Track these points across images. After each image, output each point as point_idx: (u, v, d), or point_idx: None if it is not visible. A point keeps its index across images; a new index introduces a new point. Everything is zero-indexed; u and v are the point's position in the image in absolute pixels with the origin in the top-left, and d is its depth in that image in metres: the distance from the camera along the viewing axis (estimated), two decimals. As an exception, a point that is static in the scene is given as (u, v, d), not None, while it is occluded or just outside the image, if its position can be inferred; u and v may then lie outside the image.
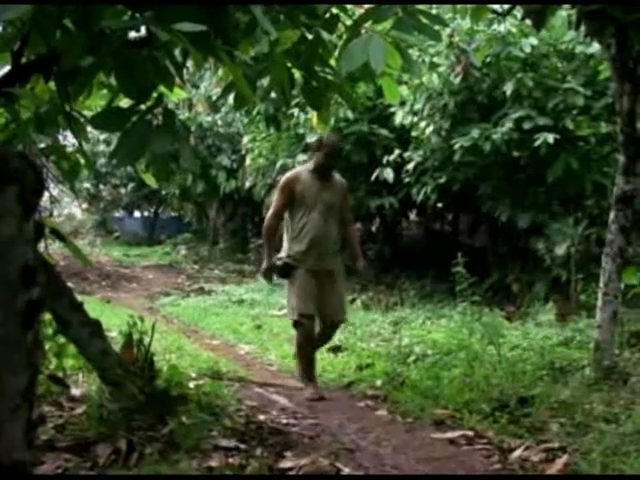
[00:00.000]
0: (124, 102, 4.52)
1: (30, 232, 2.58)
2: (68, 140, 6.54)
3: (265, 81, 5.16)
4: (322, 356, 9.19)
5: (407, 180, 14.24)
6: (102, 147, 27.00)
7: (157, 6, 3.66)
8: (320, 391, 7.24)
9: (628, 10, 6.57)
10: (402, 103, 13.23)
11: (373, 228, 21.30)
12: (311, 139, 15.58)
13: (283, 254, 7.44)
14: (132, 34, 4.18)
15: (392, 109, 13.90)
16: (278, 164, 17.21)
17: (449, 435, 5.57)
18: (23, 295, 2.54)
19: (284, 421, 5.93)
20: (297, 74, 5.16)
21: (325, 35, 4.74)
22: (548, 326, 10.36)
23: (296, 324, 7.34)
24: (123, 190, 32.99)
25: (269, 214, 7.55)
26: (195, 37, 3.48)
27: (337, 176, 7.67)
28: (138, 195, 32.29)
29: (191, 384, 6.03)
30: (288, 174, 7.66)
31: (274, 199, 7.66)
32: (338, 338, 10.19)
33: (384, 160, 14.52)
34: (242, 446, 4.76)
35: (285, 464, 4.50)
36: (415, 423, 6.10)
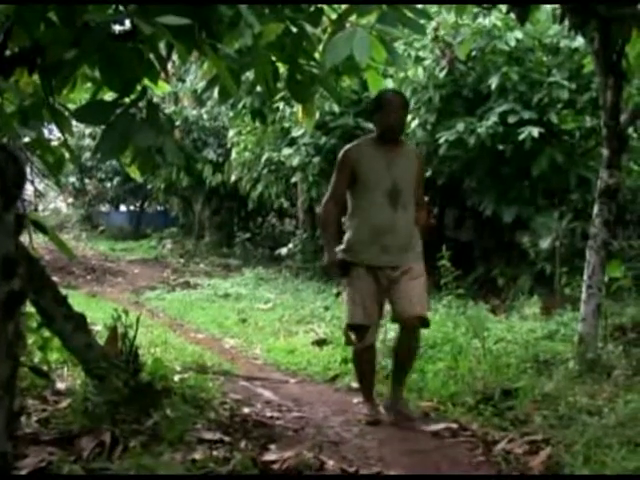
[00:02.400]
0: (109, 95, 4.52)
1: (11, 224, 2.57)
2: (54, 134, 6.52)
3: (251, 75, 5.16)
4: (307, 349, 9.22)
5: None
6: (87, 141, 26.89)
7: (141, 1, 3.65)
8: (379, 414, 6.01)
9: (611, 4, 6.60)
10: (387, 97, 13.22)
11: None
12: (297, 132, 15.61)
13: (341, 248, 5.97)
14: (116, 27, 4.18)
15: (378, 103, 13.90)
16: (263, 158, 17.23)
17: (433, 427, 5.59)
18: (3, 286, 2.53)
19: (269, 414, 5.93)
20: (282, 67, 5.17)
21: (309, 28, 4.74)
22: (533, 319, 10.41)
23: (348, 334, 6.05)
24: (109, 184, 32.87)
25: (325, 199, 6.07)
26: (179, 30, 3.48)
27: (407, 144, 6.42)
28: (124, 189, 32.21)
29: (176, 377, 6.03)
30: (347, 147, 6.07)
31: (331, 180, 6.13)
32: (323, 331, 10.23)
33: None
34: (226, 439, 4.76)
35: (269, 457, 4.51)
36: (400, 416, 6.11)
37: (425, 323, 5.92)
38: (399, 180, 5.78)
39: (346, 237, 5.96)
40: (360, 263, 5.84)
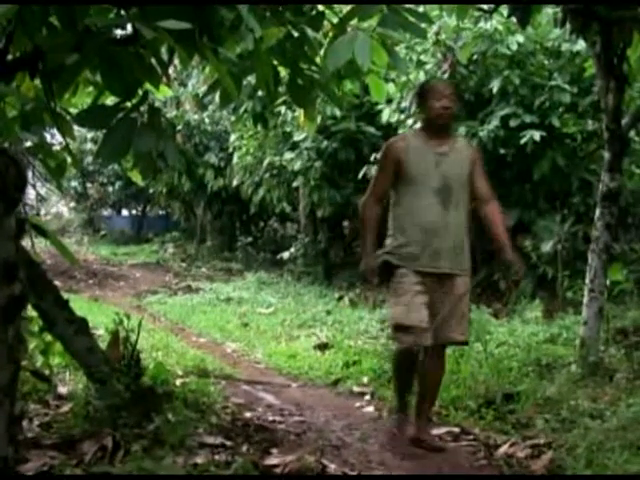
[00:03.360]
0: (110, 100, 4.52)
1: (12, 228, 2.58)
2: (55, 139, 6.53)
3: (252, 79, 5.17)
4: (309, 353, 9.21)
5: (394, 178, 14.22)
6: (89, 145, 26.89)
7: (142, 3, 3.66)
8: (419, 431, 5.34)
9: (612, 8, 6.60)
10: (389, 101, 13.23)
11: (360, 226, 21.31)
12: (298, 137, 15.61)
13: (383, 250, 5.36)
14: (118, 32, 4.19)
15: (379, 107, 13.89)
16: (265, 162, 17.23)
17: (435, 432, 5.58)
18: (4, 290, 2.53)
19: (270, 418, 5.93)
20: (283, 72, 5.17)
21: (311, 33, 4.74)
22: (534, 323, 10.39)
23: (395, 337, 5.36)
24: (110, 188, 32.88)
25: (365, 197, 5.45)
26: (180, 35, 3.48)
27: (460, 137, 5.80)
28: (125, 193, 32.21)
29: (177, 382, 6.04)
30: (391, 140, 5.50)
31: (374, 176, 5.62)
32: (325, 335, 10.23)
33: (371, 158, 14.50)
34: (228, 443, 4.76)
35: (271, 461, 4.51)
36: (401, 420, 6.10)
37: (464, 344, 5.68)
38: (450, 176, 5.21)
39: (389, 240, 5.38)
40: (406, 267, 5.21)
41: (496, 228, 5.38)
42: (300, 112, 6.23)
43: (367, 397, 6.93)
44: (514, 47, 12.12)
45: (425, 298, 5.16)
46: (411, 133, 5.67)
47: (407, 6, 4.63)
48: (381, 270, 5.33)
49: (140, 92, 4.08)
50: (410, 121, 13.16)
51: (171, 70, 6.35)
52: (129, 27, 3.97)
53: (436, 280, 5.20)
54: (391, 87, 12.35)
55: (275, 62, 4.86)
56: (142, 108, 3.97)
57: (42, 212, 23.43)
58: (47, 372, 5.72)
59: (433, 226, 5.17)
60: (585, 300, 7.21)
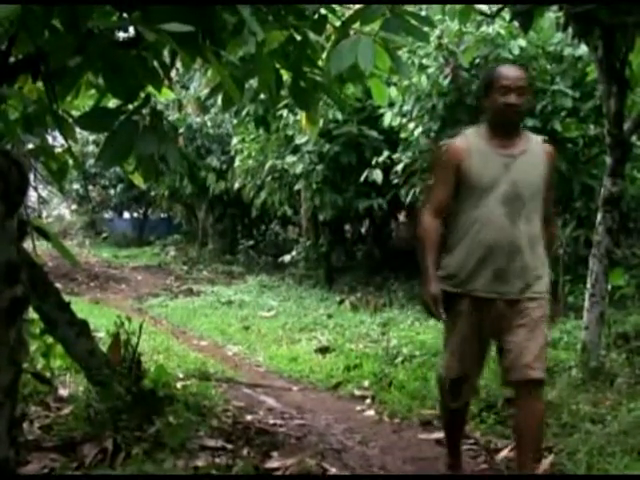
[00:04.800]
0: (112, 102, 4.53)
1: (13, 230, 2.58)
2: (57, 141, 6.53)
3: (254, 82, 5.17)
4: (310, 357, 9.21)
5: (396, 181, 14.21)
6: (91, 148, 26.90)
7: (145, 6, 3.66)
8: (460, 463, 4.81)
9: (614, 12, 6.60)
10: (391, 104, 13.22)
11: (362, 229, 21.35)
12: (300, 140, 15.61)
13: (439, 274, 4.48)
14: (120, 34, 4.19)
15: (381, 110, 13.88)
16: (267, 165, 17.22)
17: (436, 435, 5.59)
18: (6, 292, 2.54)
19: (271, 421, 5.94)
20: (285, 75, 5.17)
21: (313, 36, 4.75)
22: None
23: (439, 388, 4.74)
24: (112, 191, 32.86)
25: (424, 210, 4.57)
26: (183, 38, 3.48)
27: (532, 136, 4.71)
28: (127, 196, 32.19)
29: (178, 384, 6.04)
30: (450, 143, 4.66)
31: (431, 184, 4.82)
32: (326, 339, 10.22)
33: (373, 161, 14.51)
34: (229, 446, 4.77)
35: (272, 464, 4.52)
36: (402, 423, 6.12)
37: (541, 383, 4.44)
38: (520, 183, 4.38)
39: (446, 260, 4.52)
40: (465, 294, 4.42)
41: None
42: (302, 115, 6.23)
43: (368, 401, 6.94)
44: (516, 51, 12.11)
45: (480, 340, 4.47)
46: (472, 132, 4.61)
47: (410, 10, 4.63)
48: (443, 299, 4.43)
49: (142, 95, 4.08)
50: (412, 125, 13.16)
51: (173, 73, 6.36)
52: (132, 30, 3.98)
53: (504, 306, 4.37)
54: (393, 91, 12.41)
55: (277, 65, 4.86)
56: (144, 111, 3.97)
57: (44, 214, 23.44)
58: (48, 374, 5.72)
59: (499, 243, 4.34)
60: (586, 304, 7.20)
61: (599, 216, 7.23)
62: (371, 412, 6.55)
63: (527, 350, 4.30)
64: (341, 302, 14.55)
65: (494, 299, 4.37)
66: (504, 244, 4.33)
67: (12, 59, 4.26)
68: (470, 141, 4.49)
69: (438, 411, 5.37)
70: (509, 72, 4.43)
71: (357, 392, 7.29)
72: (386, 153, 14.32)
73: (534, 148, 4.51)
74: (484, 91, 4.52)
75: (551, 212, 4.71)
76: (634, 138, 10.11)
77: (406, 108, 13.21)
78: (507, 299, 4.37)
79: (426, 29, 4.87)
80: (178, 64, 4.67)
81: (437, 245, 4.48)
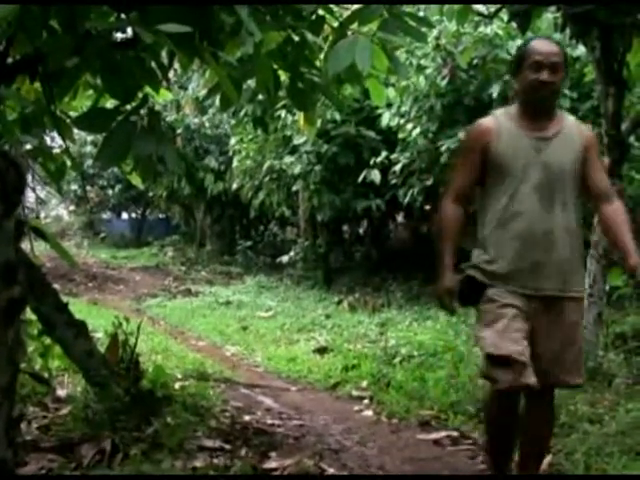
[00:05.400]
0: (110, 103, 4.53)
1: (11, 230, 2.58)
2: (56, 142, 6.54)
3: (252, 83, 5.17)
4: (308, 357, 9.21)
5: (394, 182, 14.23)
6: (89, 148, 26.87)
7: (142, 7, 3.66)
8: None
9: (612, 13, 6.60)
10: (389, 105, 13.23)
11: (360, 230, 21.35)
12: (298, 141, 15.62)
13: (469, 264, 4.16)
14: (118, 35, 4.19)
15: (379, 111, 13.89)
16: (265, 166, 17.23)
17: (434, 436, 5.60)
18: (3, 293, 2.54)
19: (269, 422, 5.94)
20: (283, 75, 5.17)
21: (311, 37, 4.75)
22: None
23: (488, 374, 4.02)
24: (110, 192, 32.84)
25: (445, 196, 4.26)
26: (180, 38, 3.49)
27: (567, 116, 4.32)
28: (125, 197, 32.17)
29: (177, 385, 6.05)
30: (477, 124, 4.25)
31: (454, 170, 4.41)
32: (324, 339, 10.23)
33: (371, 162, 14.51)
34: (227, 446, 4.77)
35: (270, 464, 4.52)
36: (400, 424, 6.12)
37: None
38: (555, 167, 4.02)
39: (475, 253, 4.16)
40: (499, 286, 4.03)
41: (619, 232, 4.17)
42: (300, 116, 6.23)
43: (366, 401, 6.94)
44: (514, 52, 12.12)
45: (525, 325, 3.94)
46: (502, 112, 4.25)
47: (408, 10, 4.64)
48: (465, 289, 4.12)
49: (140, 95, 4.08)
50: (410, 125, 13.16)
51: (171, 74, 6.36)
52: (129, 31, 3.98)
53: (539, 305, 3.99)
54: (391, 91, 12.40)
55: (275, 66, 4.87)
56: (142, 111, 3.97)
57: (42, 215, 23.41)
58: (46, 375, 5.72)
59: (533, 234, 3.98)
60: (584, 305, 7.21)
61: (597, 216, 7.22)
62: (369, 412, 6.54)
63: (565, 353, 4.00)
64: (339, 302, 14.56)
65: (531, 296, 3.98)
66: (539, 235, 3.97)
67: (10, 60, 4.26)
68: (499, 121, 4.14)
69: (484, 418, 4.69)
70: (542, 46, 4.05)
71: (355, 392, 7.29)
72: (384, 154, 14.32)
73: (569, 130, 4.13)
74: (515, 68, 4.17)
75: (608, 189, 4.30)
76: (632, 139, 10.11)
77: (404, 109, 13.22)
78: (544, 295, 3.99)
79: (424, 30, 4.89)
80: (176, 65, 4.66)
81: (457, 235, 4.17)
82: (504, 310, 3.93)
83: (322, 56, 4.99)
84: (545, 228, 3.97)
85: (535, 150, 4.02)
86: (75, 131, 5.43)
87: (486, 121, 4.20)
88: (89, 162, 27.27)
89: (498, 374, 3.87)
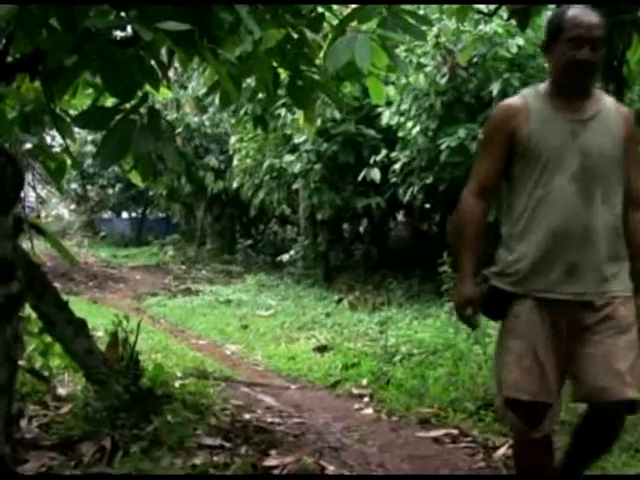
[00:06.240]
0: (110, 101, 4.53)
1: (9, 226, 2.58)
2: (56, 140, 6.54)
3: (252, 81, 5.18)
4: (308, 355, 9.21)
5: (394, 180, 14.23)
6: (89, 147, 26.84)
7: (142, 5, 3.66)
8: None
9: (611, 11, 6.60)
10: (389, 103, 13.22)
11: (360, 228, 21.35)
12: (298, 139, 15.61)
13: (492, 270, 3.57)
14: (118, 33, 4.20)
15: (379, 109, 13.89)
16: (265, 164, 17.24)
17: (434, 434, 5.59)
18: (1, 289, 2.54)
19: (269, 420, 5.94)
20: (283, 73, 5.17)
21: (310, 34, 4.75)
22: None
23: (503, 416, 3.60)
24: (111, 191, 32.89)
25: (466, 189, 3.70)
26: (180, 36, 3.49)
27: (604, 96, 3.67)
28: (126, 196, 32.22)
29: (176, 383, 6.05)
30: (502, 104, 3.67)
31: (476, 159, 3.77)
32: (324, 338, 10.23)
33: (371, 160, 14.51)
34: (227, 444, 4.77)
35: (270, 462, 4.52)
36: (400, 422, 6.11)
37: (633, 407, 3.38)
38: (593, 154, 3.41)
39: (500, 251, 3.60)
40: (527, 295, 3.42)
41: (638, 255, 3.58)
42: (300, 114, 6.22)
43: (366, 399, 6.93)
44: (514, 50, 12.10)
45: (554, 352, 3.38)
46: (530, 91, 3.64)
47: (407, 8, 4.63)
48: (489, 300, 3.57)
49: (140, 94, 4.09)
50: (410, 124, 13.16)
51: (171, 72, 6.36)
52: (129, 29, 3.98)
53: (577, 310, 3.38)
54: (391, 90, 12.40)
55: (275, 64, 4.87)
56: (141, 110, 3.98)
57: (42, 214, 23.44)
58: (46, 373, 5.72)
59: (568, 231, 3.37)
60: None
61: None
62: (369, 410, 6.54)
63: (619, 362, 3.32)
64: (339, 301, 14.56)
65: (566, 301, 3.38)
66: (577, 231, 3.36)
67: (10, 58, 4.27)
68: (528, 102, 3.53)
69: (512, 448, 4.10)
70: (583, 18, 3.40)
71: (355, 390, 7.29)
72: (384, 152, 14.33)
73: (608, 111, 3.52)
74: (549, 41, 3.52)
75: (638, 189, 3.61)
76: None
77: (404, 107, 13.21)
78: (583, 301, 3.38)
79: (423, 28, 4.88)
80: (176, 63, 4.66)
81: (480, 234, 3.64)
82: (525, 333, 3.40)
83: (321, 54, 4.98)
84: (583, 224, 3.37)
85: (571, 134, 3.42)
86: (75, 130, 5.42)
87: (513, 101, 3.63)
88: (89, 161, 27.30)
89: (514, 419, 3.42)
